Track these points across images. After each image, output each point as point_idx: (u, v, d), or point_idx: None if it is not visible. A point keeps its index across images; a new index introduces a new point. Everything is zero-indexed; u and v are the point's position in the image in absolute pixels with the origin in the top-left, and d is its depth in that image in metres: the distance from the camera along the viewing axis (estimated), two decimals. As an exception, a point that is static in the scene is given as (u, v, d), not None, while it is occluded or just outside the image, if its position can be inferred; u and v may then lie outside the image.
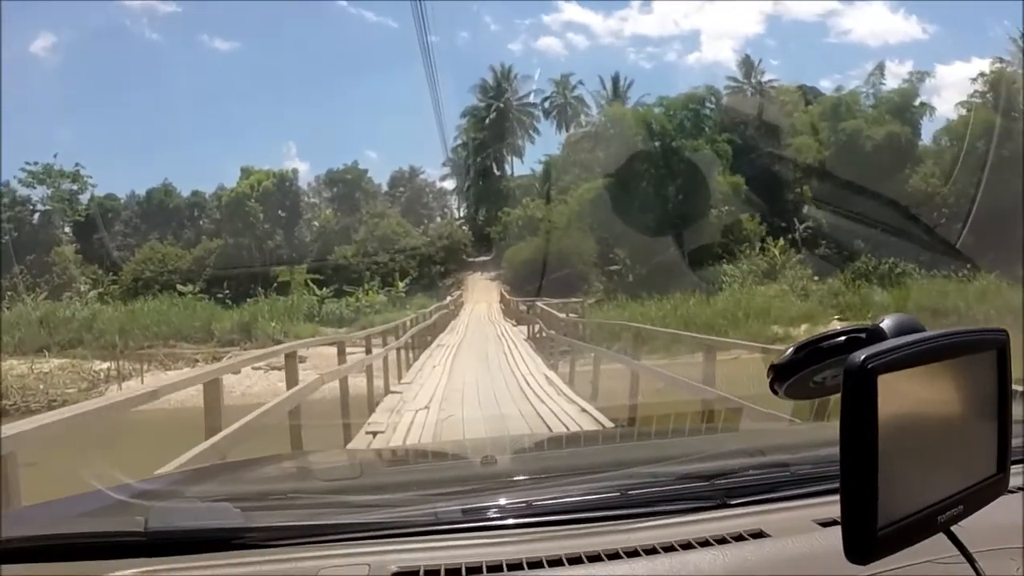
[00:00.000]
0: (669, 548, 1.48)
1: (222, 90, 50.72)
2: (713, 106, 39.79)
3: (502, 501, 1.73)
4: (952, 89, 39.68)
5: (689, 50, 58.59)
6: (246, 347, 31.08)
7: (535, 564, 1.44)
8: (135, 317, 34.29)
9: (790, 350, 1.21)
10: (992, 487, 1.14)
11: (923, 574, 1.28)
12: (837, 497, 0.99)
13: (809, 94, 43.73)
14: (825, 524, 1.51)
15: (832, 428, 1.01)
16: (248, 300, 37.49)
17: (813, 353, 1.17)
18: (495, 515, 1.67)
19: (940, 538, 1.10)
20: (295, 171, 46.73)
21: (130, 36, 48.28)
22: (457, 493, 1.84)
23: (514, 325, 31.25)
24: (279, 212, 44.68)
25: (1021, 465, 1.70)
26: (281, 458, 3.38)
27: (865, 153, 36.55)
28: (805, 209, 37.57)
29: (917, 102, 39.80)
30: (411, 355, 18.90)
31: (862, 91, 41.09)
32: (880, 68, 41.36)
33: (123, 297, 38.23)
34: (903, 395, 0.99)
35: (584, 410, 11.09)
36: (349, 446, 8.84)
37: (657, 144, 36.58)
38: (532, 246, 39.16)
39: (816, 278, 33.51)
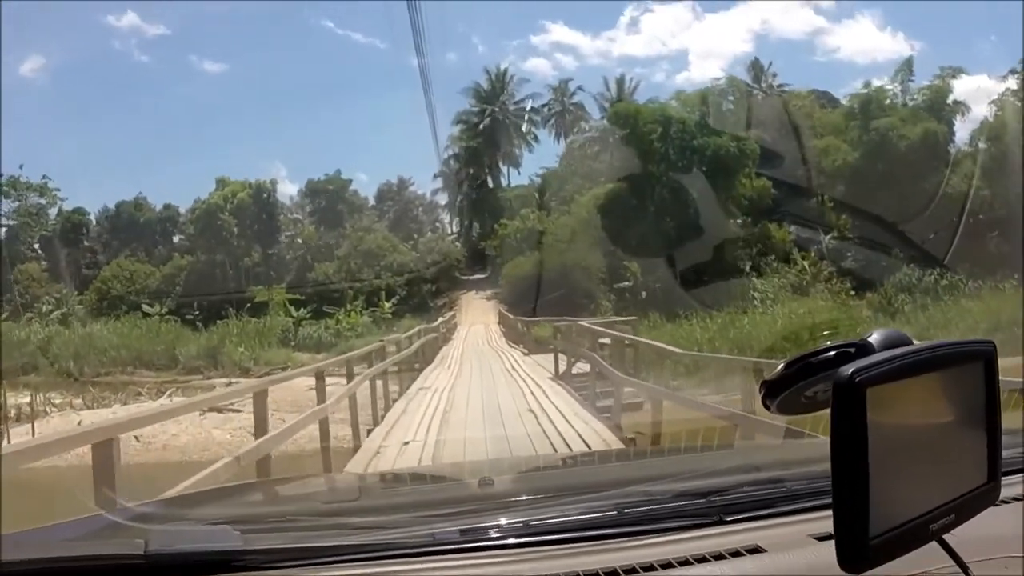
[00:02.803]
0: (666, 565, 1.50)
1: (205, 105, 48.73)
2: (734, 100, 36.39)
3: (499, 521, 1.72)
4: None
5: (678, 70, 58.42)
6: (210, 375, 28.67)
7: None
8: (93, 340, 31.61)
9: (781, 366, 1.21)
10: (983, 496, 1.18)
11: None
12: (832, 511, 1.03)
13: (822, 99, 41.26)
14: (821, 538, 1.51)
15: (827, 443, 1.03)
16: (219, 322, 34.58)
17: (804, 368, 1.18)
18: (492, 535, 1.65)
19: (935, 548, 1.15)
20: (273, 182, 43.84)
21: (117, 55, 46.78)
22: (454, 514, 1.82)
23: (525, 354, 25.13)
24: (255, 226, 41.77)
25: (1018, 475, 1.78)
26: (279, 481, 3.80)
27: (900, 153, 33.21)
28: (832, 217, 34.28)
29: (950, 100, 36.46)
30: (374, 407, 12.96)
31: (889, 89, 37.72)
32: (908, 65, 38.01)
33: (86, 318, 35.82)
34: (892, 407, 1.03)
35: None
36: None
37: (675, 143, 32.94)
38: (532, 261, 35.64)
39: (853, 292, 30.30)
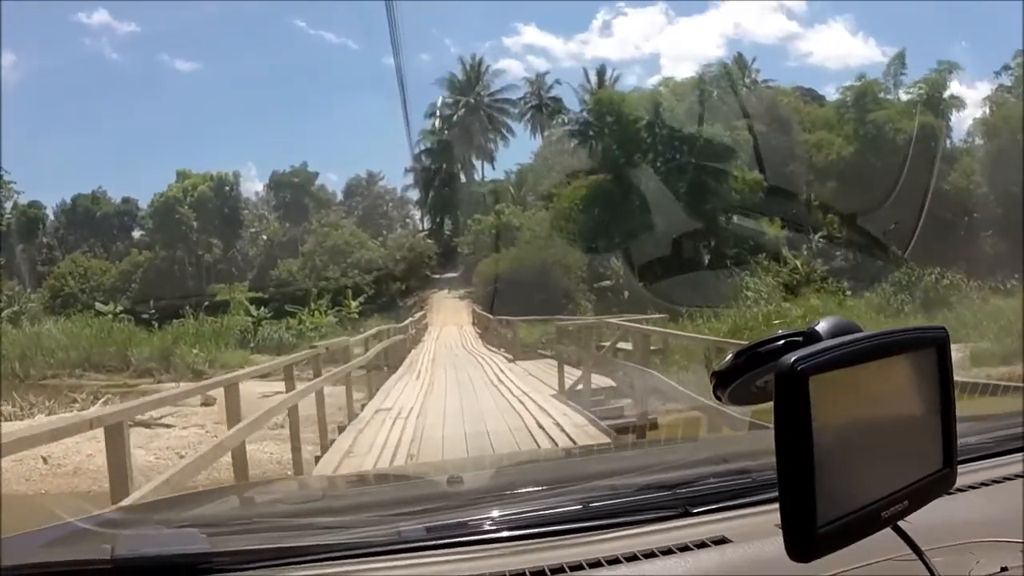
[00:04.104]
0: (632, 558, 1.50)
1: (172, 99, 46.33)
2: (727, 87, 34.86)
3: (466, 518, 1.72)
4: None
5: (650, 73, 57.19)
6: (162, 379, 26.82)
7: None
8: (41, 340, 29.91)
9: (730, 356, 1.22)
10: (939, 482, 1.18)
11: (881, 573, 1.30)
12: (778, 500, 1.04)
13: (806, 95, 39.72)
14: None
15: None
16: (176, 322, 32.88)
17: (752, 358, 1.19)
18: (459, 532, 1.65)
19: (895, 537, 1.17)
20: (236, 175, 41.95)
21: (84, 50, 44.58)
22: (421, 512, 1.81)
23: (510, 360, 21.36)
24: (216, 221, 40.07)
25: (978, 463, 1.85)
26: (246, 486, 4.16)
27: (896, 147, 31.73)
28: (823, 213, 33.04)
29: (947, 94, 35.21)
30: (295, 452, 9.46)
31: (882, 83, 36.33)
32: (900, 58, 36.59)
33: (38, 317, 34.28)
34: (839, 395, 1.03)
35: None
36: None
37: (663, 132, 31.43)
38: (508, 258, 33.85)
39: (849, 292, 28.87)
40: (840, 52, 52.32)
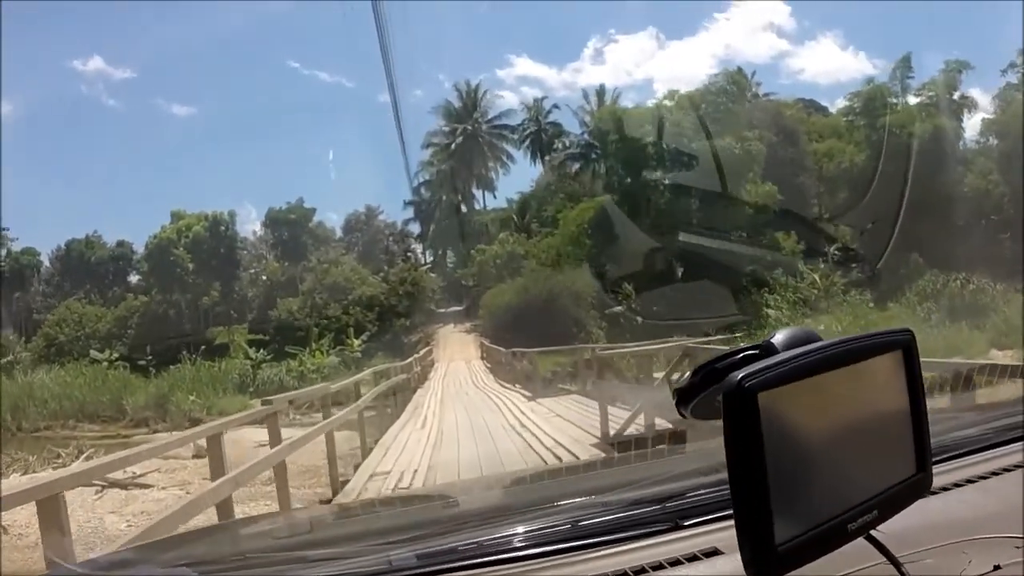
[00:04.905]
0: (622, 575, 1.48)
1: (168, 141, 45.26)
2: (735, 97, 34.02)
3: (456, 543, 1.70)
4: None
5: (644, 98, 56.30)
6: (157, 428, 26.15)
7: None
8: (33, 391, 29.33)
9: (689, 373, 1.21)
10: (913, 488, 1.16)
11: None
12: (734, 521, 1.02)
13: (810, 107, 38.60)
14: None
15: None
16: (172, 367, 32.01)
17: (709, 375, 1.17)
18: (449, 558, 1.63)
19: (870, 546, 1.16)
20: (231, 214, 40.83)
21: (79, 95, 42.84)
22: (411, 539, 1.79)
23: (528, 398, 19.10)
24: (212, 262, 39.05)
25: (978, 455, 1.84)
26: (236, 523, 4.15)
27: (911, 152, 30.74)
28: (838, 224, 32.16)
29: (957, 95, 34.32)
30: None
31: (889, 87, 35.44)
32: (907, 61, 35.68)
33: (32, 366, 33.62)
34: (795, 408, 1.01)
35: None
36: None
37: (671, 146, 30.54)
38: (514, 288, 32.83)
39: (872, 305, 27.73)
40: (831, 67, 52.30)
